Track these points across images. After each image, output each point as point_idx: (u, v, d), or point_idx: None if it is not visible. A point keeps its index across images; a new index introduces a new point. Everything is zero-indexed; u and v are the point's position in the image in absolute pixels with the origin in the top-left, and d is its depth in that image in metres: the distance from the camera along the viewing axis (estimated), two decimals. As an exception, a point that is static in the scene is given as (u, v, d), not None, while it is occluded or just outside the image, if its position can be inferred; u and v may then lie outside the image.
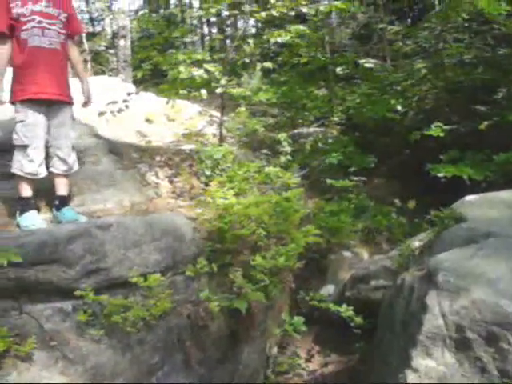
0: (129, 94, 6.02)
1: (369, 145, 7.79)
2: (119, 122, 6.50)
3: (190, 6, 20.89)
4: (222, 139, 6.12)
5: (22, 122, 4.15)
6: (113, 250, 3.53)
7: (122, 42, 13.35)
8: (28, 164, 4.17)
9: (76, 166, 4.51)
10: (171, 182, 5.32)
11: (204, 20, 20.06)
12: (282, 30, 5.92)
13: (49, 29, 4.22)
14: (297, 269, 4.64)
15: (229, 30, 18.14)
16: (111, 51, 17.60)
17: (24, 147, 4.16)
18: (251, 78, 8.71)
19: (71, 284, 3.34)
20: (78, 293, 3.28)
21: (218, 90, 5.52)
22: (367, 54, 10.30)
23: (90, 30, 21.66)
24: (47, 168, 4.35)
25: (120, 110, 5.79)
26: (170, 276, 3.79)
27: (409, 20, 12.29)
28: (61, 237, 3.44)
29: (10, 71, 4.31)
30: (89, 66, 17.74)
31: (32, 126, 4.16)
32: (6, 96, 4.26)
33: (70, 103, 4.45)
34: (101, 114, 5.85)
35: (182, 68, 5.31)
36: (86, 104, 4.73)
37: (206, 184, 5.25)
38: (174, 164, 5.53)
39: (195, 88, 5.77)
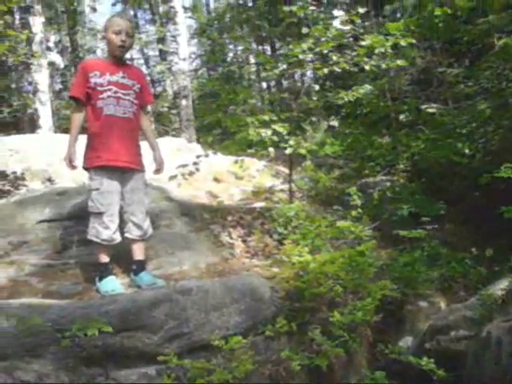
0: (198, 157, 6.16)
1: (437, 190, 7.70)
2: (189, 183, 6.65)
3: (247, 61, 21.31)
4: (291, 196, 6.17)
5: (97, 189, 4.28)
6: (194, 314, 3.60)
7: (183, 102, 13.70)
8: (104, 231, 4.29)
9: (150, 231, 4.61)
10: (244, 241, 5.37)
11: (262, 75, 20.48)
12: (348, 91, 6.02)
13: (123, 99, 4.39)
14: (374, 322, 4.58)
15: (286, 83, 18.44)
16: (173, 111, 18.07)
17: (100, 214, 4.28)
18: (316, 132, 8.81)
19: (155, 349, 3.42)
20: (161, 358, 3.34)
21: (288, 151, 5.60)
22: (428, 99, 10.27)
23: (151, 91, 22.33)
24: (122, 233, 4.46)
25: (191, 173, 5.92)
26: (251, 337, 3.80)
27: (467, 61, 12.21)
28: (143, 303, 3.55)
29: (83, 138, 4.47)
30: (152, 126, 18.23)
31: (107, 194, 4.28)
32: (79, 161, 4.41)
33: (141, 170, 4.58)
34: (172, 177, 6.00)
35: (251, 130, 5.42)
36: (158, 171, 4.83)
37: (280, 242, 5.28)
38: (246, 223, 5.59)
39: (262, 146, 5.87)
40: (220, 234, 5.39)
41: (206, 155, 6.73)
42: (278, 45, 19.24)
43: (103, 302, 3.73)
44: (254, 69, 20.20)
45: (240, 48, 21.08)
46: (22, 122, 14.03)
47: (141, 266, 4.51)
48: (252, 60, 21.09)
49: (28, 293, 4.38)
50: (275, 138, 5.54)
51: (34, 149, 7.46)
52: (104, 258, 4.40)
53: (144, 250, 4.59)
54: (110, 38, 4.39)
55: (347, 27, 6.22)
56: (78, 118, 4.42)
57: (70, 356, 3.27)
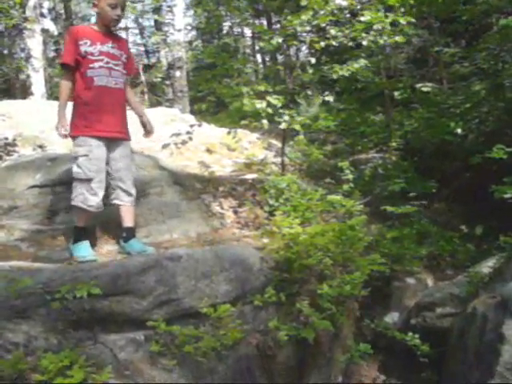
0: (191, 126, 6.14)
1: (428, 169, 7.72)
2: (181, 152, 6.64)
3: (242, 34, 21.21)
4: (284, 169, 6.16)
5: (85, 156, 4.23)
6: (183, 281, 3.61)
7: (177, 73, 13.66)
8: (91, 197, 4.24)
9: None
10: (235, 212, 5.37)
11: (257, 48, 20.37)
12: (344, 66, 6.00)
13: (115, 69, 4.37)
14: (361, 297, 4.62)
15: (281, 58, 18.34)
16: (167, 82, 18.00)
17: (88, 181, 4.23)
18: (309, 106, 8.79)
19: (143, 315, 3.43)
20: (150, 323, 3.37)
21: (282, 126, 5.58)
22: (423, 78, 10.25)
23: (146, 62, 22.20)
24: (111, 200, 4.45)
25: (184, 142, 5.92)
26: (239, 306, 3.82)
27: (464, 41, 12.17)
28: (133, 269, 3.55)
29: (69, 105, 4.43)
30: (146, 97, 18.17)
31: (96, 160, 4.24)
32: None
33: (128, 139, 4.57)
34: (165, 146, 5.99)
35: (245, 101, 5.39)
36: (148, 134, 4.82)
37: (270, 213, 5.28)
38: (238, 194, 5.59)
39: (256, 118, 5.84)
40: (211, 204, 5.40)
41: (200, 124, 6.71)
42: (274, 19, 19.12)
43: (93, 267, 3.74)
44: (249, 42, 20.13)
45: (236, 21, 20.92)
46: (13, 88, 13.92)
47: (131, 232, 4.49)
48: (248, 33, 21.00)
49: (18, 257, 4.37)
50: (270, 111, 5.51)
51: (26, 115, 7.42)
52: (82, 223, 4.37)
53: (134, 217, 4.57)
54: (105, 9, 4.32)
55: (346, 2, 6.17)
56: (68, 86, 4.36)
57: (59, 319, 3.27)
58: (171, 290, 3.53)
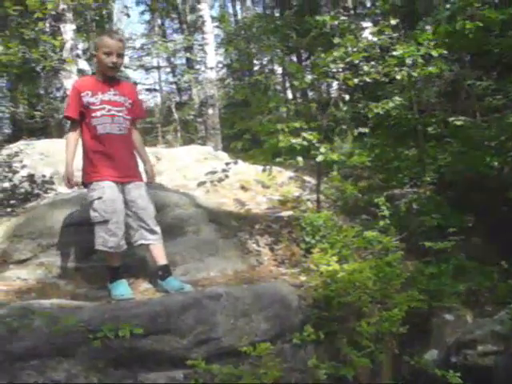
0: (227, 164, 6.19)
1: (464, 203, 7.64)
2: (216, 190, 6.69)
3: (273, 71, 21.39)
4: (319, 205, 6.17)
5: (99, 198, 4.29)
6: (223, 319, 3.62)
7: (210, 111, 13.77)
8: (110, 238, 4.29)
9: None
10: (272, 249, 5.38)
11: (288, 85, 20.54)
12: (378, 104, 6.03)
13: (117, 116, 4.47)
14: (400, 333, 4.57)
15: (312, 94, 18.46)
16: (199, 120, 18.18)
17: (105, 222, 4.27)
18: (343, 143, 8.82)
19: (183, 353, 3.44)
20: (189, 362, 3.36)
21: (318, 159, 5.60)
22: (456, 112, 10.20)
23: (178, 100, 22.51)
24: (135, 242, 4.49)
25: (220, 180, 5.97)
26: (278, 344, 3.81)
27: (496, 74, 12.11)
28: (173, 307, 3.58)
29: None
30: (178, 134, 18.40)
31: (110, 201, 4.29)
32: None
33: (140, 179, 4.63)
34: (200, 183, 6.03)
35: (281, 137, 5.44)
36: (150, 183, 4.86)
37: (307, 251, 5.28)
38: (274, 231, 5.60)
39: (291, 155, 5.89)
40: (247, 241, 5.41)
41: (236, 162, 6.77)
42: (304, 55, 19.31)
43: (133, 305, 3.77)
44: (280, 79, 20.29)
45: (266, 58, 21.16)
46: (49, 127, 14.20)
47: (166, 270, 4.51)
48: (278, 70, 21.19)
49: (57, 295, 4.43)
50: (305, 144, 5.54)
51: (62, 153, 7.53)
52: (114, 263, 4.44)
53: (165, 254, 4.58)
54: (101, 58, 4.45)
55: (375, 38, 6.22)
56: (74, 138, 4.49)
57: (99, 357, 3.30)
58: (211, 328, 3.54)
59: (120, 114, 4.49)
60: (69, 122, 4.80)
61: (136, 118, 4.81)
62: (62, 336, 3.28)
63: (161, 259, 4.52)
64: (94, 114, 4.39)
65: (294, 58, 19.37)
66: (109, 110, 4.44)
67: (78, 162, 4.58)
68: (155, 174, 4.93)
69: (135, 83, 25.94)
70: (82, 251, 5.05)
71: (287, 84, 21.01)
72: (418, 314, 5.42)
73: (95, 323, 3.38)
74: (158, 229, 4.51)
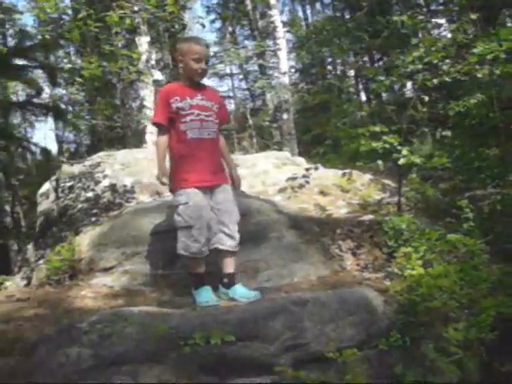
0: (307, 170, 6.21)
1: (551, 202, 7.37)
2: (296, 196, 6.70)
3: (345, 74, 21.28)
4: (400, 208, 6.09)
5: (185, 203, 4.34)
6: (310, 325, 3.62)
7: (285, 116, 13.84)
8: (193, 244, 4.34)
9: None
10: (354, 254, 5.34)
11: (361, 87, 20.39)
12: (459, 102, 5.91)
13: (206, 120, 4.55)
14: (489, 340, 4.44)
15: (386, 96, 18.24)
16: (274, 125, 18.26)
17: (189, 228, 4.33)
18: (423, 145, 8.66)
19: (270, 359, 3.45)
20: (278, 368, 3.37)
21: (401, 162, 5.55)
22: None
23: (252, 106, 22.67)
24: (212, 245, 4.50)
25: (301, 186, 5.98)
26: (365, 350, 3.78)
27: None
28: (260, 314, 3.61)
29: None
30: (254, 140, 18.51)
31: (196, 207, 4.34)
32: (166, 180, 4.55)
33: (227, 183, 4.68)
34: (282, 190, 6.06)
35: (362, 141, 5.43)
36: (235, 187, 4.88)
37: (390, 255, 5.22)
38: (355, 236, 5.56)
39: (370, 159, 5.85)
40: (330, 246, 5.39)
41: (316, 168, 6.77)
42: (376, 57, 19.12)
43: (220, 312, 3.82)
44: (353, 81, 20.17)
45: (339, 61, 21.09)
46: (127, 137, 14.55)
47: (233, 278, 4.55)
48: (351, 72, 21.08)
49: (143, 302, 4.54)
50: (387, 147, 5.50)
51: (142, 163, 7.71)
52: (197, 269, 4.49)
53: (235, 263, 4.62)
54: (190, 64, 4.55)
55: (450, 35, 6.11)
56: (163, 142, 4.57)
57: (189, 363, 3.35)
58: (298, 334, 3.55)
59: (209, 118, 4.57)
60: (155, 128, 4.90)
61: (222, 123, 4.85)
62: (152, 342, 3.37)
63: (230, 267, 4.56)
64: (183, 120, 4.48)
65: (367, 59, 19.23)
66: (198, 115, 4.51)
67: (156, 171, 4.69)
68: (240, 179, 4.96)
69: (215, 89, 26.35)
70: (165, 258, 5.15)
71: (360, 86, 20.88)
72: (508, 319, 5.27)
73: (184, 330, 3.45)
74: (237, 236, 4.54)
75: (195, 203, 4.36)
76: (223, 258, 4.57)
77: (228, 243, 4.50)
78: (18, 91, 13.13)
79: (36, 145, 3.47)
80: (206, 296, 4.38)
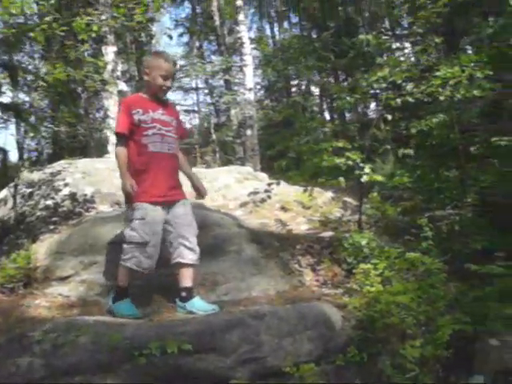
0: (269, 184, 6.21)
1: (508, 225, 7.49)
2: (257, 210, 6.69)
3: (309, 92, 21.46)
4: (361, 226, 6.12)
5: (142, 219, 4.31)
6: (267, 339, 3.61)
7: (248, 132, 13.86)
8: (146, 260, 4.33)
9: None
10: (314, 269, 5.34)
11: (325, 106, 20.58)
12: (421, 120, 5.99)
13: (167, 135, 4.55)
14: (444, 357, 4.49)
15: (350, 116, 18.47)
16: (238, 141, 18.30)
17: (143, 244, 4.31)
18: (384, 164, 8.77)
19: (227, 372, 3.44)
20: (233, 381, 3.35)
21: (363, 179, 5.58)
22: (499, 132, 10.06)
23: (216, 121, 22.70)
24: (173, 260, 4.48)
25: (263, 201, 5.98)
26: (322, 365, 3.78)
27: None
28: (217, 326, 3.59)
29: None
30: (217, 155, 18.52)
31: (152, 224, 4.33)
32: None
33: (185, 198, 4.67)
34: (243, 204, 6.05)
35: (325, 157, 5.45)
36: (201, 197, 4.94)
37: (349, 271, 5.24)
38: (315, 252, 5.56)
39: (332, 175, 5.87)
40: (289, 261, 5.39)
41: (278, 183, 6.77)
42: (341, 77, 19.33)
43: (177, 324, 3.79)
44: (317, 100, 20.35)
45: (304, 79, 21.24)
46: (89, 147, 14.41)
47: (191, 292, 4.51)
48: (315, 91, 21.26)
49: (98, 312, 4.47)
50: (350, 163, 5.53)
51: (103, 172, 7.63)
52: (126, 283, 4.48)
53: (193, 276, 4.59)
54: (156, 79, 4.55)
55: (414, 59, 6.22)
56: (125, 152, 4.52)
57: (143, 374, 3.31)
58: (255, 348, 3.53)
59: (169, 133, 4.57)
60: (115, 139, 4.83)
61: (180, 138, 4.86)
62: (106, 352, 3.31)
63: (188, 281, 4.53)
64: (145, 132, 4.46)
65: (332, 79, 19.41)
66: (159, 129, 4.51)
67: (117, 181, 4.63)
68: (204, 187, 4.97)
69: (174, 104, 26.33)
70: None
71: (324, 105, 21.07)
72: (463, 337, 5.32)
73: (140, 340, 3.40)
74: (197, 249, 4.51)
75: (152, 219, 4.34)
76: (182, 272, 4.53)
77: (189, 256, 4.46)
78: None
79: (-7, 144, 3.38)
80: (127, 309, 4.36)
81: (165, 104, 4.72)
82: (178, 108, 25.43)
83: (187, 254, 4.45)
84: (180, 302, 4.50)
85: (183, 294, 4.49)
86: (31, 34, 5.75)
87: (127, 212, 4.52)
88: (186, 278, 4.51)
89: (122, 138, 4.56)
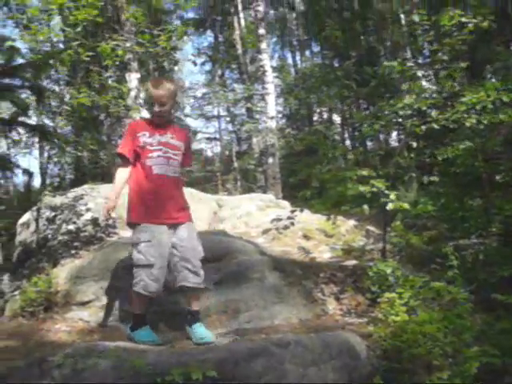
0: (292, 212, 6.17)
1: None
2: (279, 238, 6.66)
3: (331, 121, 21.47)
4: (385, 254, 6.05)
5: (148, 241, 4.30)
6: (292, 368, 3.53)
7: (270, 160, 13.85)
8: (152, 283, 4.29)
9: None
10: (337, 298, 5.28)
11: (346, 135, 20.57)
12: (447, 148, 5.94)
13: (173, 159, 4.55)
14: (472, 391, 4.37)
15: (371, 144, 18.41)
16: (259, 169, 18.30)
17: (149, 266, 4.28)
18: (407, 191, 8.68)
19: (250, 402, 3.35)
20: (255, 413, 3.28)
21: (389, 206, 5.52)
22: (524, 160, 9.95)
23: (237, 149, 22.78)
24: (178, 283, 4.42)
25: (286, 227, 5.94)
26: (347, 396, 3.70)
27: None
28: (241, 354, 3.52)
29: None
30: (238, 183, 18.53)
31: (158, 247, 4.31)
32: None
33: (190, 221, 4.62)
34: (265, 231, 6.02)
35: (350, 185, 5.41)
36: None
37: (373, 301, 5.16)
38: (338, 280, 5.50)
39: (356, 204, 5.82)
40: (312, 290, 5.33)
41: (302, 210, 6.74)
42: (362, 106, 19.33)
43: (199, 351, 3.73)
44: (339, 129, 20.34)
45: (325, 108, 21.28)
46: (111, 174, 14.48)
47: (196, 316, 4.47)
48: (337, 120, 21.25)
49: (119, 338, 4.43)
50: (375, 191, 5.48)
51: (124, 198, 7.66)
52: (142, 309, 4.44)
53: (200, 301, 4.57)
54: (153, 107, 4.56)
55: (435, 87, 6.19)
56: (123, 174, 4.57)
57: (163, 402, 3.24)
58: (280, 377, 3.45)
59: (175, 157, 4.58)
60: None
61: (184, 165, 4.87)
62: (128, 378, 3.25)
63: (195, 305, 4.49)
64: (150, 155, 4.47)
65: (353, 108, 19.43)
66: (165, 152, 4.51)
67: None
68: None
69: (195, 132, 26.48)
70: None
71: (346, 134, 21.05)
72: (491, 370, 5.19)
73: (162, 367, 3.33)
74: (201, 272, 4.46)
75: (158, 241, 4.32)
76: (188, 296, 4.51)
77: (193, 280, 4.40)
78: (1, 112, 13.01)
79: (18, 166, 3.40)
80: (149, 335, 4.33)
81: (173, 128, 4.74)
82: (200, 136, 25.66)
83: (191, 277, 4.39)
84: (188, 327, 4.46)
85: (189, 317, 4.47)
86: (57, 60, 5.82)
87: (133, 236, 4.49)
88: (193, 302, 4.48)
89: (122, 159, 4.60)
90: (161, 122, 4.64)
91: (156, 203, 4.40)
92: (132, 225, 4.49)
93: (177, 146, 4.61)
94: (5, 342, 4.55)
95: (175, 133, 4.67)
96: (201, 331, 4.34)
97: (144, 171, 4.46)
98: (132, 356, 3.44)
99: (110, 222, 6.85)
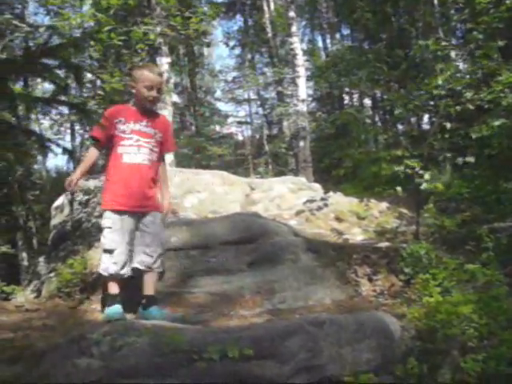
0: (325, 193, 6.17)
1: None
2: (311, 220, 6.66)
3: (362, 104, 21.34)
4: (418, 236, 6.02)
5: (109, 228, 4.45)
6: (326, 347, 3.53)
7: (301, 143, 13.82)
8: (111, 266, 4.43)
9: (161, 268, 4.67)
10: (370, 279, 5.27)
11: (377, 118, 20.39)
12: (481, 126, 5.87)
13: (144, 146, 4.58)
14: (507, 375, 4.33)
15: (403, 127, 18.23)
16: (290, 153, 18.28)
17: (111, 251, 4.43)
18: (441, 173, 8.61)
19: (284, 380, 3.36)
20: (291, 388, 3.29)
21: (423, 186, 5.49)
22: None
23: (268, 133, 22.75)
24: (132, 264, 4.55)
25: (319, 208, 5.93)
26: (381, 375, 3.69)
27: None
28: (276, 332, 3.53)
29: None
30: (270, 167, 18.53)
31: (119, 232, 4.44)
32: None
33: (158, 210, 4.68)
34: (298, 213, 6.02)
35: (384, 165, 5.39)
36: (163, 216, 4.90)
37: (406, 282, 5.15)
38: (372, 262, 5.49)
39: (389, 185, 5.80)
40: (346, 271, 5.32)
41: (335, 192, 6.75)
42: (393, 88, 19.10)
43: (235, 329, 3.76)
44: (370, 112, 20.18)
45: (356, 91, 21.13)
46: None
47: (151, 300, 4.52)
48: (368, 103, 21.11)
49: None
50: (408, 171, 5.45)
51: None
52: (112, 290, 4.51)
53: (156, 285, 4.63)
54: (141, 91, 4.61)
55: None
56: (93, 155, 4.73)
57: (200, 379, 3.26)
58: (314, 355, 3.46)
59: (148, 145, 4.61)
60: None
61: (166, 152, 4.94)
62: (165, 355, 3.29)
63: (149, 289, 4.55)
64: (122, 142, 4.56)
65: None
66: (137, 140, 4.57)
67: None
68: (170, 210, 5.19)
69: (226, 116, 26.51)
70: (178, 276, 5.12)
71: (376, 117, 20.88)
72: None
73: (198, 344, 3.36)
74: (155, 255, 4.54)
75: (120, 228, 4.44)
76: (144, 280, 4.56)
77: (146, 263, 4.50)
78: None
79: (58, 144, 3.42)
80: (115, 310, 4.37)
81: (152, 116, 4.77)
82: (231, 119, 25.66)
83: (145, 259, 4.50)
84: (141, 310, 4.51)
85: (143, 301, 4.52)
86: (91, 43, 5.87)
87: (102, 220, 4.63)
88: (147, 286, 4.54)
89: (95, 143, 4.74)
90: (151, 107, 4.74)
91: (124, 191, 4.50)
92: (102, 211, 4.65)
93: (150, 134, 4.64)
94: (43, 320, 4.66)
95: (152, 121, 4.71)
96: (159, 313, 4.39)
97: (115, 159, 4.57)
98: (169, 334, 3.48)
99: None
